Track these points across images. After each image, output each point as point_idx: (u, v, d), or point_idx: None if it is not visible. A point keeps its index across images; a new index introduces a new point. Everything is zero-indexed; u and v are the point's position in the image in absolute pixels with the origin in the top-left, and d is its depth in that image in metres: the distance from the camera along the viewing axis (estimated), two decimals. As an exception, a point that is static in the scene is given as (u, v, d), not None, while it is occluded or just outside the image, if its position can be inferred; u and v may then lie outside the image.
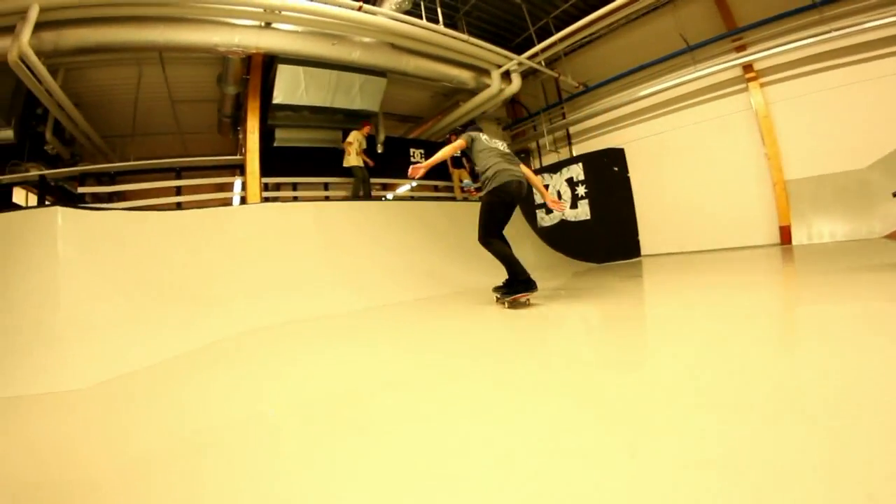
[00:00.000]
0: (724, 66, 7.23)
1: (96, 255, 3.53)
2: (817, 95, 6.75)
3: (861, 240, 5.93)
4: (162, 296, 3.64)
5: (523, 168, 3.44)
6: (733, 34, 7.42)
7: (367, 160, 7.69)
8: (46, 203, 7.16)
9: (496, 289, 3.39)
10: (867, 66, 6.49)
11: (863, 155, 6.34)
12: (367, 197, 7.61)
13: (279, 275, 4.58)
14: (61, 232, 3.37)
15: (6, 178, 6.72)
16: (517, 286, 3.14)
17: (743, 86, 7.34)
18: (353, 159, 7.45)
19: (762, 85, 7.17)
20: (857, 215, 6.24)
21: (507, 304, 3.19)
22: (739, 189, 7.39)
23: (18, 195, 7.81)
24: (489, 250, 3.32)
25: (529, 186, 3.42)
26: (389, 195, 10.48)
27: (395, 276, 5.33)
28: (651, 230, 8.10)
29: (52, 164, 7.47)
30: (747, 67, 7.22)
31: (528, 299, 3.24)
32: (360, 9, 6.12)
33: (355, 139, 7.49)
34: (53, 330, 2.76)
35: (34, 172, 6.99)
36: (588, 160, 8.11)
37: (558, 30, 7.71)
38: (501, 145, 3.49)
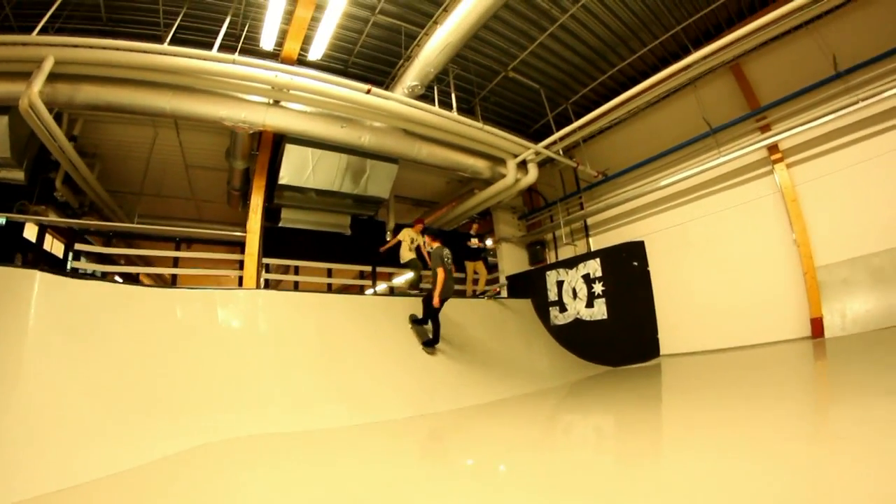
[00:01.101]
0: (749, 150, 7.30)
1: (70, 335, 3.49)
2: (846, 172, 6.77)
3: None
4: (130, 394, 3.58)
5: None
6: (756, 113, 7.61)
7: (425, 256, 7.95)
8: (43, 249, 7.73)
9: (414, 319, 6.18)
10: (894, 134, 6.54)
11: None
12: (415, 289, 8.02)
13: (269, 376, 4.54)
14: (36, 301, 3.35)
15: (12, 216, 7.11)
16: (429, 339, 6.03)
17: (768, 168, 7.44)
18: (406, 254, 7.89)
19: (788, 166, 7.25)
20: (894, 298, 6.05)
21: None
22: (766, 279, 7.31)
23: (30, 230, 8.07)
24: (424, 323, 6.07)
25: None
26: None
27: (411, 387, 5.30)
28: (671, 327, 7.98)
29: (62, 209, 7.98)
30: (772, 148, 7.32)
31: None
32: (368, 91, 6.38)
33: (407, 236, 7.91)
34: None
35: (35, 218, 7.43)
36: (606, 255, 8.29)
37: (577, 115, 8.09)
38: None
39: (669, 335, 7.87)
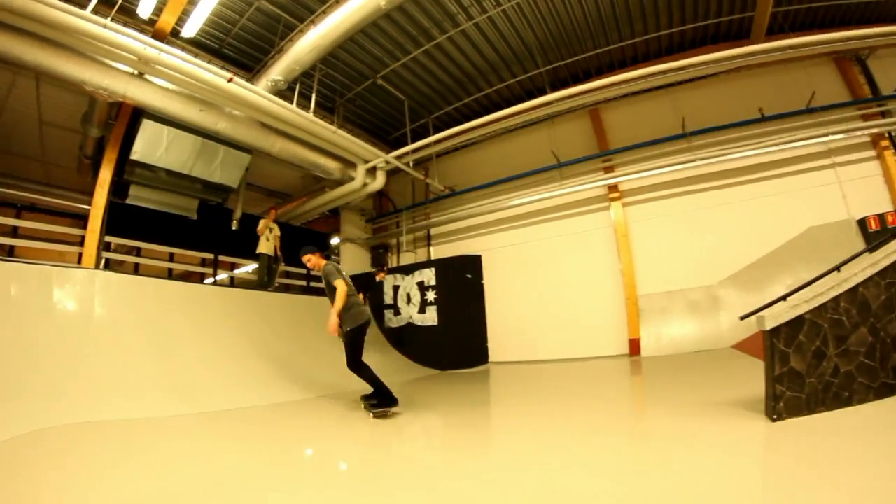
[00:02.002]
0: (590, 186, 9.29)
1: None
2: (675, 217, 9.06)
3: (710, 350, 7.84)
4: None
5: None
6: (604, 155, 9.60)
7: (278, 250, 8.96)
8: None
9: (365, 398, 4.99)
10: (723, 192, 9.05)
11: (714, 272, 8.64)
12: (267, 286, 8.80)
13: (103, 363, 4.80)
14: None
15: None
16: (383, 401, 4.77)
17: (606, 204, 9.48)
18: (262, 246, 8.83)
19: (625, 205, 9.31)
20: (707, 327, 8.29)
21: (372, 415, 4.70)
22: (593, 301, 9.31)
23: None
24: (359, 375, 4.84)
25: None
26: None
27: (246, 376, 5.98)
28: (502, 337, 9.74)
29: None
30: (613, 187, 9.33)
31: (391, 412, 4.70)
32: (230, 80, 7.19)
33: (264, 226, 8.85)
34: None
35: None
36: (441, 266, 9.87)
37: (437, 130, 9.53)
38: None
39: (500, 344, 9.68)
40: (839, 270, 5.71)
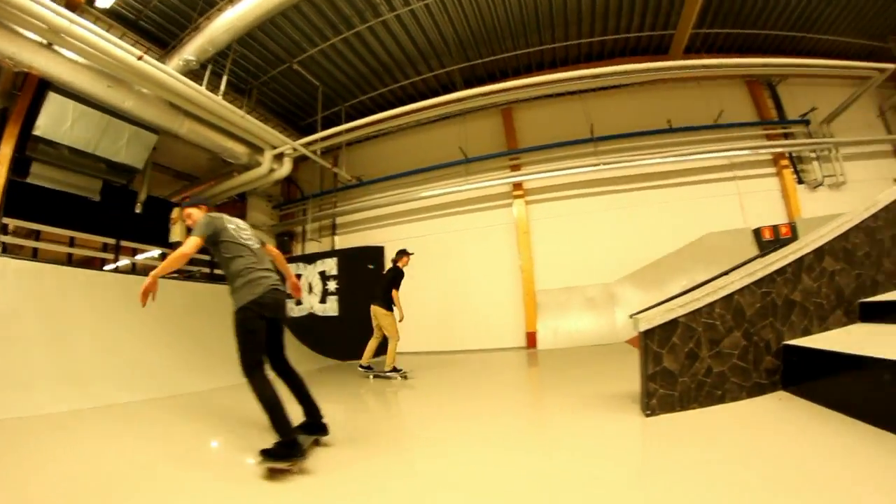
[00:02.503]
0: (495, 182, 10.26)
1: None
2: (576, 217, 10.19)
3: (605, 344, 8.88)
4: None
5: (273, 252, 3.85)
6: (511, 153, 10.64)
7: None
8: None
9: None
10: (627, 196, 10.31)
11: (613, 270, 9.79)
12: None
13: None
14: None
15: None
16: (281, 449, 2.93)
17: (509, 201, 10.51)
18: (176, 233, 9.43)
19: (528, 203, 10.36)
20: (603, 323, 9.38)
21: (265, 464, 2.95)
22: (494, 295, 10.30)
23: None
24: (251, 389, 3.10)
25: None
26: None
27: (148, 367, 6.19)
28: (405, 328, 10.35)
29: None
30: (517, 185, 10.34)
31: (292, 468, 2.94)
32: (140, 58, 7.43)
33: (179, 214, 9.33)
34: None
35: None
36: (343, 255, 10.71)
37: (349, 119, 10.31)
38: (254, 240, 3.57)
39: (402, 335, 10.33)
40: (728, 274, 6.74)
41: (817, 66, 10.16)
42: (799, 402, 3.53)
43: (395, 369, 7.23)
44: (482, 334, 10.10)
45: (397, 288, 7.33)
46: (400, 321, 7.34)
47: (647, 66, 9.22)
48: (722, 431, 3.19)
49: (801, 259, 4.17)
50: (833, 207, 10.03)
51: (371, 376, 7.32)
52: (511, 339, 10.03)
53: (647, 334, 3.75)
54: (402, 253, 7.72)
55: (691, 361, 3.75)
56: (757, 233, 10.21)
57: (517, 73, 11.03)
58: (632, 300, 9.32)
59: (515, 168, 10.75)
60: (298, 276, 11.08)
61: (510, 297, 10.23)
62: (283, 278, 3.74)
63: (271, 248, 3.93)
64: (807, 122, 11.66)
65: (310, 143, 10.16)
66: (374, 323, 7.45)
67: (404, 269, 7.60)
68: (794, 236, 9.86)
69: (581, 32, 10.49)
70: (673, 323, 3.76)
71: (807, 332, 4.08)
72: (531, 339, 9.83)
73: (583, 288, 9.82)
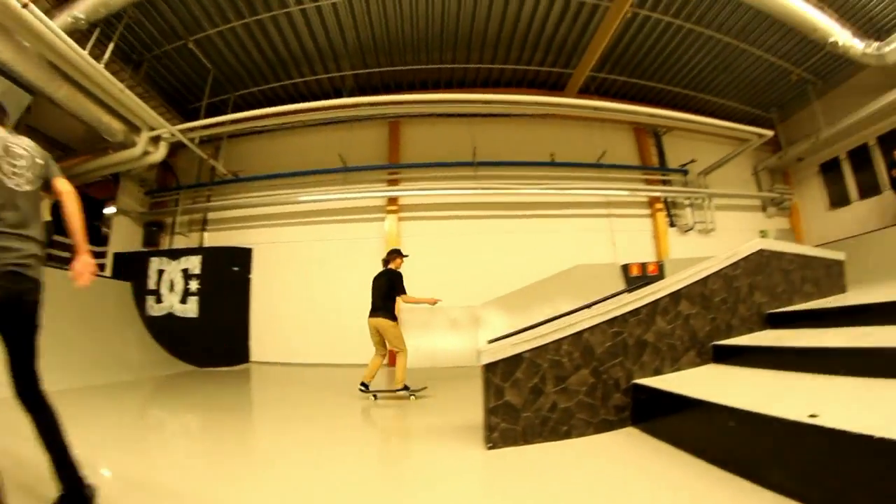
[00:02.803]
0: (371, 195, 10.75)
1: None
2: (453, 237, 10.75)
3: (466, 367, 8.81)
4: None
5: (64, 201, 2.57)
6: (391, 167, 11.20)
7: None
8: None
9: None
10: (503, 222, 11.06)
11: (482, 293, 10.34)
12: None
13: None
14: None
15: None
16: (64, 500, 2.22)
17: (383, 216, 10.92)
18: None
19: (401, 219, 10.83)
20: (466, 345, 9.78)
21: None
22: (359, 310, 10.08)
23: None
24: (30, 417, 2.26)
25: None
26: None
27: None
28: (267, 336, 10.55)
29: None
30: (393, 199, 10.82)
31: None
32: (25, 6, 6.81)
33: None
34: None
35: None
36: (209, 254, 10.68)
37: (237, 109, 10.59)
38: (26, 174, 2.43)
39: (263, 343, 10.50)
40: (590, 307, 7.37)
41: (703, 124, 11.53)
42: (646, 439, 3.62)
43: (405, 387, 6.50)
44: (346, 349, 9.90)
45: (404, 292, 6.86)
46: (434, 303, 7.01)
47: (538, 99, 10.13)
48: (562, 466, 3.28)
49: (656, 302, 4.37)
50: (701, 251, 11.17)
51: (373, 396, 6.56)
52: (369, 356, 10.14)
53: (490, 367, 3.77)
54: (397, 253, 7.29)
55: (535, 396, 3.80)
56: (625, 268, 11.20)
57: (412, 88, 11.75)
58: (496, 324, 9.88)
59: (393, 182, 11.28)
60: (161, 272, 10.82)
61: (370, 313, 10.37)
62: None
63: (63, 190, 2.58)
64: (685, 172, 13.10)
65: (189, 130, 10.18)
66: (375, 339, 6.81)
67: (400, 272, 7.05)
68: (661, 274, 10.89)
69: (482, 58, 11.37)
70: (517, 358, 3.81)
71: (658, 372, 4.24)
72: (391, 357, 9.74)
73: (448, 309, 9.96)
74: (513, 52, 11.28)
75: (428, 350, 9.88)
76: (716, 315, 4.77)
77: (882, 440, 1.74)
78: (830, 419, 2.10)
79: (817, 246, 10.96)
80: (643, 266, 11.17)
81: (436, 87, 11.68)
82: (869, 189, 13.57)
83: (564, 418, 3.85)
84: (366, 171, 11.24)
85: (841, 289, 7.10)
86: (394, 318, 6.76)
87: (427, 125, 11.63)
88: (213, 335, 9.81)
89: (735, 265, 5.06)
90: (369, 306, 6.80)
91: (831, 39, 9.77)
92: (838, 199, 14.88)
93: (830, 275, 7.02)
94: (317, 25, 10.05)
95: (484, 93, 10.31)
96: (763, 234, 14.62)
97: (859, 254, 11.41)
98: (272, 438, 4.74)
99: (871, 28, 11.25)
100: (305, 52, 10.76)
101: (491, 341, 4.21)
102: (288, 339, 10.42)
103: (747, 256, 5.25)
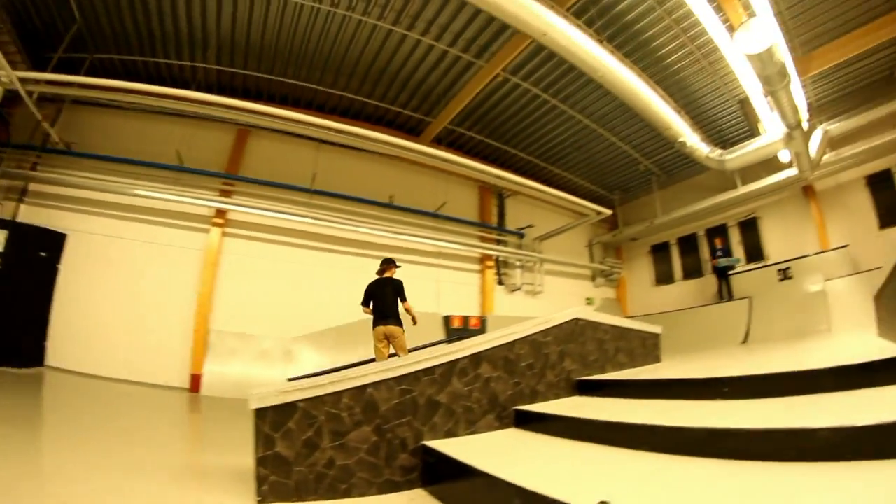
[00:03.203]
0: (200, 202, 10.24)
1: None
2: (278, 263, 10.69)
3: None
4: None
5: None
6: (228, 177, 10.92)
7: None
8: None
9: None
10: (331, 256, 11.22)
11: (296, 325, 10.28)
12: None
13: None
14: None
15: None
16: None
17: (207, 227, 10.57)
18: None
19: (225, 234, 10.58)
20: (273, 378, 9.45)
21: None
22: (167, 324, 9.92)
23: None
24: None
25: None
26: None
27: None
28: (69, 339, 9.25)
29: None
30: (221, 212, 10.58)
31: None
32: None
33: None
34: None
35: None
36: (19, 231, 9.35)
37: (93, 73, 9.78)
38: None
39: (63, 346, 9.26)
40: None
41: (547, 194, 12.63)
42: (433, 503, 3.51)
43: None
44: (149, 366, 9.46)
45: (405, 300, 7.07)
46: (414, 324, 7.04)
47: (393, 140, 10.30)
48: None
49: (454, 362, 4.35)
50: (527, 311, 12.40)
51: None
52: (175, 378, 9.55)
53: (259, 414, 3.52)
54: (391, 262, 7.57)
55: (310, 450, 3.59)
56: (447, 319, 11.92)
57: (271, 100, 11.54)
58: (305, 360, 9.99)
59: (226, 194, 10.79)
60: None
61: (181, 330, 9.80)
62: None
63: None
64: (521, 235, 14.37)
65: (32, 81, 9.06)
66: (380, 344, 6.87)
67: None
68: (482, 329, 11.78)
69: (349, 86, 11.58)
70: (290, 406, 3.60)
71: (451, 434, 4.17)
72: (195, 382, 9.50)
73: (260, 338, 10.00)
74: (379, 88, 11.59)
75: (235, 378, 9.52)
76: (520, 380, 4.85)
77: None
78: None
79: (639, 317, 12.52)
80: (466, 319, 11.91)
81: (295, 104, 11.66)
82: (693, 272, 15.94)
83: (343, 476, 3.65)
84: (201, 176, 10.66)
85: (656, 359, 7.62)
86: (402, 324, 6.94)
87: (276, 141, 11.46)
88: (7, 326, 8.66)
89: (546, 332, 5.22)
90: (372, 315, 7.09)
91: (681, 139, 11.05)
92: (664, 278, 17.24)
93: (646, 346, 7.44)
94: (197, 5, 9.41)
95: (342, 122, 10.35)
96: (589, 301, 16.28)
97: (678, 326, 13.21)
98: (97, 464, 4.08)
99: (718, 138, 13.27)
100: (178, 31, 10.08)
101: (290, 379, 4.43)
102: (93, 346, 9.41)
103: (560, 324, 5.45)
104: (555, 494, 2.29)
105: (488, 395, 4.56)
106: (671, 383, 4.71)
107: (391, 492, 3.75)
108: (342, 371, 3.98)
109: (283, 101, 11.65)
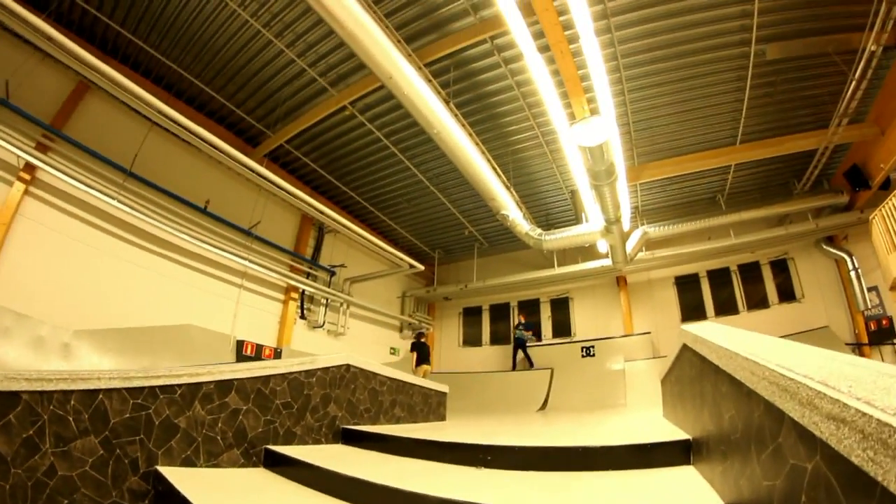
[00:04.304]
0: (9, 147, 8.68)
1: None
2: (71, 243, 9.71)
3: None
4: None
5: None
6: (52, 132, 9.58)
7: None
8: None
9: None
10: (127, 248, 10.51)
11: (75, 316, 9.34)
12: None
13: None
14: None
15: None
16: None
17: (11, 178, 9.19)
18: None
19: (30, 193, 9.33)
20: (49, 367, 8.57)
21: None
22: None
23: None
24: None
25: None
26: None
27: None
28: None
29: None
30: (31, 167, 9.24)
31: None
32: None
33: None
34: None
35: None
36: None
37: None
38: None
39: None
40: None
41: (366, 239, 13.56)
42: None
43: None
44: None
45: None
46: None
47: (223, 146, 10.05)
48: None
49: (198, 385, 4.30)
50: (326, 350, 12.92)
51: None
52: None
53: None
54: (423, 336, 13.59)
55: (30, 451, 3.34)
56: (240, 344, 12.10)
57: (125, 61, 10.84)
58: (83, 358, 9.35)
59: (43, 149, 9.42)
60: None
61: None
62: None
63: None
64: (333, 273, 15.04)
65: None
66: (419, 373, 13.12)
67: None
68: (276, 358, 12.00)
69: (202, 74, 11.26)
70: (14, 396, 3.35)
71: (190, 464, 4.11)
72: None
73: (38, 323, 9.02)
74: (231, 85, 11.61)
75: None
76: (274, 418, 4.88)
77: None
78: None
79: (444, 373, 13.90)
80: (259, 347, 12.10)
81: (146, 74, 11.18)
82: (501, 338, 18.29)
83: (65, 489, 3.40)
84: (23, 119, 9.23)
85: (440, 417, 8.22)
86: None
87: (114, 109, 10.66)
88: None
89: (310, 373, 5.32)
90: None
91: (503, 212, 12.15)
92: (473, 340, 19.18)
93: (429, 403, 7.93)
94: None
95: (185, 110, 10.67)
96: (393, 351, 17.31)
97: (481, 388, 14.72)
98: None
99: (545, 220, 15.08)
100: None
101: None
102: None
103: (327, 367, 5.61)
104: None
105: (235, 428, 4.55)
106: (436, 445, 4.72)
107: (119, 517, 3.62)
108: (72, 371, 3.88)
109: (135, 67, 11.06)
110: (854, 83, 9.70)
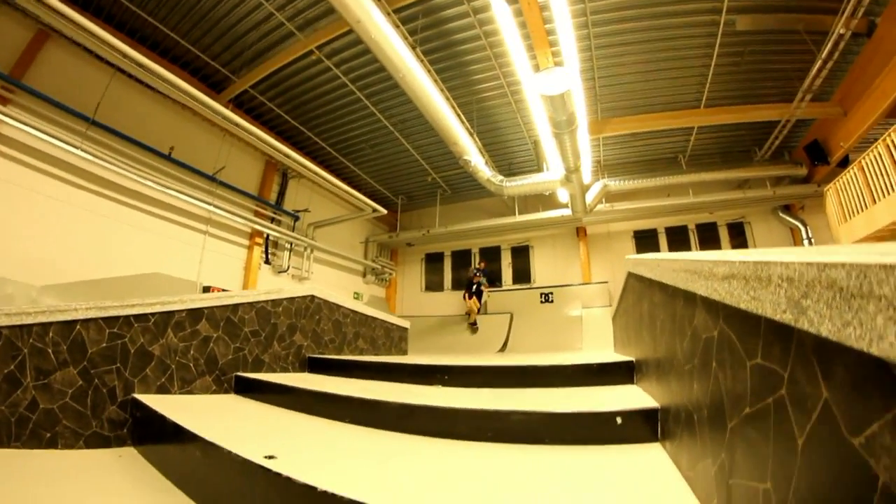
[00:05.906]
0: None
1: None
2: (36, 196, 9.77)
3: None
4: None
5: None
6: (13, 83, 9.52)
7: None
8: None
9: None
10: (90, 198, 10.60)
11: (41, 273, 9.43)
12: None
13: None
14: None
15: None
16: None
17: None
18: None
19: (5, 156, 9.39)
20: None
21: None
22: None
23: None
24: None
25: None
26: None
27: None
28: None
29: None
30: None
31: None
32: None
33: None
34: None
35: None
36: None
37: None
38: None
39: None
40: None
41: (331, 183, 13.90)
42: (139, 464, 3.46)
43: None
44: None
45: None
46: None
47: (190, 90, 10.08)
48: (26, 483, 2.98)
49: (170, 313, 4.51)
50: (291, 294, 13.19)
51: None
52: None
53: None
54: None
55: (12, 387, 3.52)
56: (206, 290, 12.56)
57: (86, 6, 10.66)
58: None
59: (3, 101, 9.34)
60: None
61: None
62: None
63: None
64: (297, 218, 15.60)
65: None
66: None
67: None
68: (241, 305, 12.52)
69: (167, 19, 11.25)
70: None
71: (165, 391, 4.36)
72: None
73: (4, 281, 9.00)
74: (196, 30, 11.58)
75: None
76: (243, 345, 5.16)
77: (323, 493, 1.86)
78: (283, 464, 2.19)
79: (406, 317, 14.64)
80: (225, 292, 12.41)
81: (108, 20, 11.01)
82: (462, 284, 18.51)
83: (47, 423, 3.60)
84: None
85: (402, 352, 8.78)
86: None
87: (75, 56, 10.67)
88: None
89: (276, 302, 5.62)
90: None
91: (465, 157, 12.60)
92: (434, 286, 20.11)
93: (390, 337, 8.45)
94: None
95: (149, 55, 10.35)
96: (357, 295, 18.09)
97: (443, 331, 15.91)
98: None
99: (508, 168, 15.76)
100: None
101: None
102: None
103: (293, 298, 5.92)
104: (228, 446, 2.51)
105: (206, 355, 4.80)
106: (397, 367, 5.19)
107: (99, 447, 3.79)
108: (50, 303, 4.18)
109: (97, 13, 10.83)
110: (821, 62, 10.45)
